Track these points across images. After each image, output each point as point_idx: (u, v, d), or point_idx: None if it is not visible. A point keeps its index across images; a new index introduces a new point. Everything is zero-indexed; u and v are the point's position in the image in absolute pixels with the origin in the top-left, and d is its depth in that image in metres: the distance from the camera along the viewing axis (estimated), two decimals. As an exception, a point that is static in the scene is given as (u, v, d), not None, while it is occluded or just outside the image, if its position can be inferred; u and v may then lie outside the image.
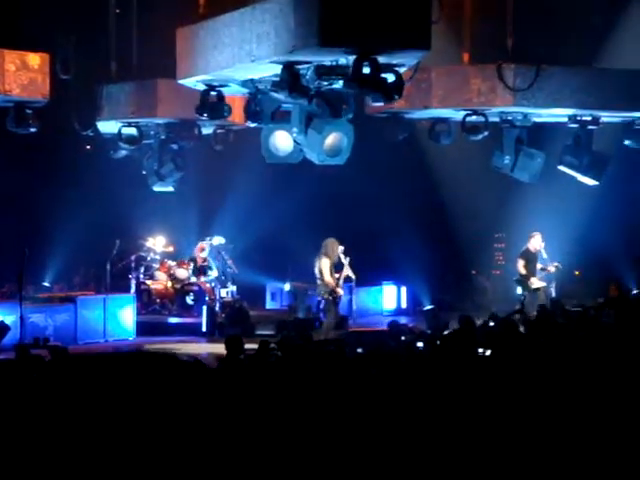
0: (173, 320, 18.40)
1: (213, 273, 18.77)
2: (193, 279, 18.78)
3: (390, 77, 10.69)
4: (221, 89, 12.90)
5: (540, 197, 18.96)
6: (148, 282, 19.00)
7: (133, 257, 18.97)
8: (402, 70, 10.92)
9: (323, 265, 15.03)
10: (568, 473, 6.63)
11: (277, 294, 21.33)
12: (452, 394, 7.82)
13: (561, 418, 7.31)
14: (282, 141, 12.25)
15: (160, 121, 16.37)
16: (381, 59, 10.31)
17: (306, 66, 10.80)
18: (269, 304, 21.48)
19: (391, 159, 19.52)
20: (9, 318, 14.77)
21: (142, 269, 19.13)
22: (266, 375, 8.94)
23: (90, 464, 6.49)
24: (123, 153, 17.04)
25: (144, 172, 17.16)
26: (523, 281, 17.13)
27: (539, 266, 17.15)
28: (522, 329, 11.99)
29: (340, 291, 15.22)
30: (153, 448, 6.64)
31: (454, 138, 15.19)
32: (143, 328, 17.58)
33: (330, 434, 6.95)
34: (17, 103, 14.97)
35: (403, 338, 11.82)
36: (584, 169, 15.02)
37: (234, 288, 19.08)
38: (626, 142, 15.33)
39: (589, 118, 14.73)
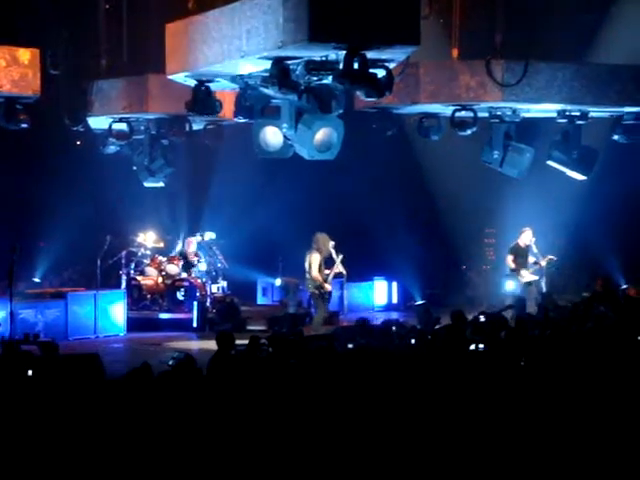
0: (164, 316, 18.41)
1: (202, 266, 18.74)
2: (184, 275, 18.78)
3: (380, 72, 10.71)
4: (210, 85, 12.91)
5: (530, 192, 19.00)
6: (139, 278, 18.99)
7: (124, 253, 18.96)
8: (392, 66, 10.93)
9: (313, 260, 15.04)
10: (564, 468, 6.66)
11: (268, 289, 21.35)
12: (443, 389, 7.85)
13: (555, 413, 7.35)
14: (272, 136, 12.26)
15: (151, 117, 16.36)
16: (371, 54, 10.33)
17: (296, 61, 10.81)
18: (260, 299, 21.50)
19: (382, 155, 19.56)
20: (-1, 314, 14.80)
21: (133, 265, 19.12)
22: (256, 371, 8.96)
23: (79, 458, 6.51)
24: (113, 149, 17.04)
25: (134, 168, 17.16)
26: (514, 276, 17.22)
27: (532, 260, 17.24)
28: (512, 324, 12.05)
29: (328, 287, 15.16)
30: (144, 444, 6.65)
31: (443, 134, 15.21)
32: (134, 324, 17.59)
33: (321, 429, 6.97)
34: (7, 99, 14.94)
35: (394, 328, 11.85)
36: (573, 164, 15.06)
37: (225, 284, 19.08)
38: (615, 137, 15.37)
39: (578, 113, 14.77)
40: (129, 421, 6.86)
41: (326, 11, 9.86)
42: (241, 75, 12.11)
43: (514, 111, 14.44)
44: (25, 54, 14.66)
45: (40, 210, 20.17)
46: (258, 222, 20.93)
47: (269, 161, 14.19)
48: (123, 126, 16.45)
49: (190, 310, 18.02)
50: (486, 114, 14.58)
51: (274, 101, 12.22)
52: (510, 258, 17.22)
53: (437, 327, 12.26)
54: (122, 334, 17.24)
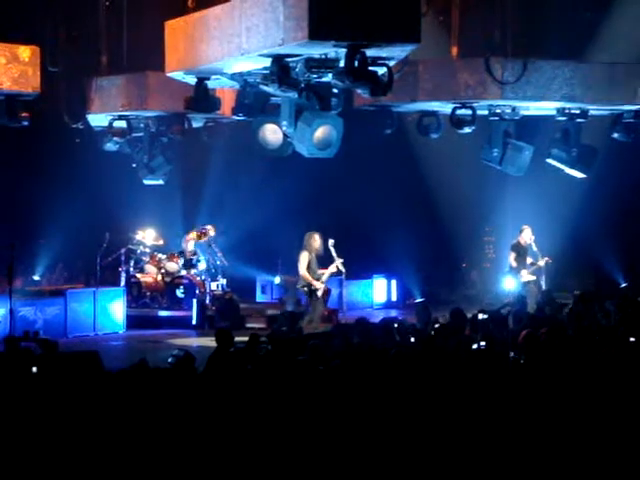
0: (163, 313, 18.40)
1: (201, 265, 18.74)
2: (183, 272, 18.78)
3: (381, 70, 10.72)
4: (210, 82, 12.90)
5: (529, 190, 19.00)
6: (138, 275, 18.99)
7: (123, 250, 18.96)
8: (391, 63, 10.93)
9: (301, 259, 15.00)
10: (562, 465, 6.67)
11: (267, 287, 21.33)
12: (443, 387, 7.85)
13: (553, 411, 7.35)
14: (271, 134, 12.26)
15: (150, 114, 16.37)
16: (370, 52, 10.33)
17: (296, 59, 10.81)
18: (259, 297, 21.47)
19: (381, 153, 19.55)
20: (-1, 312, 14.80)
21: (132, 262, 19.11)
22: (256, 368, 8.97)
23: (77, 454, 6.51)
24: (113, 146, 17.04)
25: (134, 165, 17.17)
26: (514, 274, 17.23)
27: (529, 260, 17.22)
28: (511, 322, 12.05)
29: (317, 284, 15.03)
30: (142, 442, 6.65)
31: (443, 132, 15.21)
32: (133, 321, 17.59)
33: (320, 428, 6.97)
34: (8, 96, 14.94)
35: (396, 325, 11.85)
36: (572, 162, 15.07)
37: (224, 281, 19.07)
38: (614, 135, 15.37)
39: (577, 111, 14.77)
40: (126, 418, 6.87)
41: (326, 9, 9.86)
42: (240, 73, 12.11)
43: (513, 109, 14.45)
44: (25, 51, 14.66)
45: (39, 207, 20.16)
46: (257, 220, 20.92)
47: (268, 159, 14.20)
48: (123, 123, 16.45)
49: (189, 308, 18.02)
50: (485, 112, 14.59)
51: (273, 99, 12.23)
52: (512, 256, 17.16)
53: (437, 325, 12.25)
54: (121, 331, 17.23)
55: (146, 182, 17.28)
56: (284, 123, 11.81)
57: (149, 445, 6.62)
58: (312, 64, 10.67)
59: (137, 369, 7.78)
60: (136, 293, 18.80)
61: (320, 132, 11.48)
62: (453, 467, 6.62)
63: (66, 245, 19.76)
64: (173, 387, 7.64)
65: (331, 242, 15.43)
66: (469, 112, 14.37)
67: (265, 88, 11.73)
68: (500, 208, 20.57)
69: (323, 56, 10.63)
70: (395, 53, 10.77)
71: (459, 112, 14.39)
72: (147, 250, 19.27)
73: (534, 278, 17.28)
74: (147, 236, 19.51)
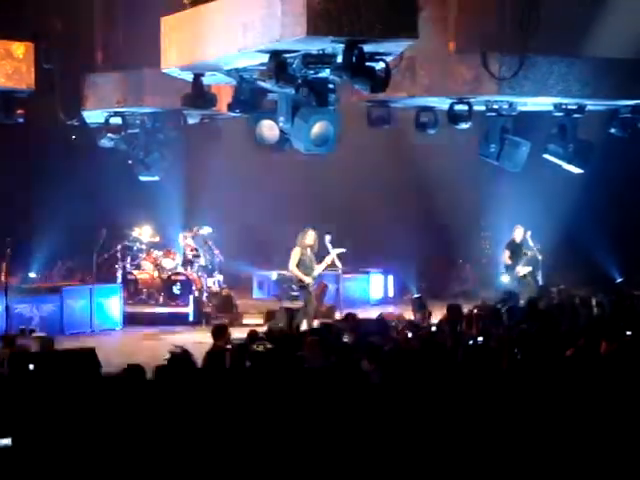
0: (160, 310, 18.40)
1: (201, 260, 18.75)
2: (180, 269, 18.76)
3: (378, 66, 10.70)
4: (206, 78, 12.87)
5: (526, 185, 19.01)
6: (135, 272, 18.97)
7: (119, 247, 18.94)
8: (389, 59, 10.92)
9: (292, 255, 15.06)
10: (561, 462, 6.66)
11: (264, 283, 21.33)
12: (441, 381, 7.84)
13: (551, 410, 7.35)
14: (268, 130, 12.24)
15: (146, 110, 16.33)
16: (368, 48, 10.31)
17: (293, 55, 10.78)
18: (256, 293, 21.49)
19: (378, 148, 19.53)
20: (-5, 309, 14.76)
21: (128, 259, 19.10)
22: (253, 365, 8.96)
23: (74, 453, 6.50)
24: (109, 143, 17.00)
25: (130, 161, 17.14)
26: (510, 271, 17.41)
27: (523, 252, 17.44)
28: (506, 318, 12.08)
29: (307, 280, 15.05)
30: (139, 441, 6.64)
31: (440, 127, 15.19)
32: (130, 318, 17.57)
33: (317, 425, 6.96)
34: (2, 93, 14.89)
35: (394, 323, 11.86)
36: (569, 157, 15.07)
37: (221, 277, 19.07)
38: (611, 130, 15.37)
39: (574, 107, 14.76)
40: (123, 417, 6.85)
41: (324, 4, 9.83)
42: (237, 69, 12.08)
43: (510, 104, 14.44)
44: (19, 48, 14.61)
45: (35, 204, 20.12)
46: (253, 216, 20.91)
47: (265, 154, 14.17)
48: (118, 120, 16.42)
49: (186, 304, 18.01)
50: (482, 107, 14.57)
51: (270, 95, 12.20)
52: (507, 254, 17.51)
53: (435, 321, 12.27)
54: (118, 328, 17.22)
55: (142, 178, 17.26)
56: (281, 119, 11.78)
57: (146, 444, 6.61)
58: (309, 60, 10.64)
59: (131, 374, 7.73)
60: (133, 290, 18.80)
61: (317, 128, 11.45)
62: (452, 467, 6.61)
63: (62, 242, 19.72)
64: (171, 384, 7.63)
65: (328, 238, 15.43)
66: (465, 108, 14.36)
67: (262, 84, 11.70)
68: (497, 203, 20.58)
69: (320, 52, 10.61)
70: (393, 48, 10.76)
71: (457, 108, 14.38)
72: (143, 247, 19.24)
73: (529, 269, 17.44)
74: (143, 233, 19.50)
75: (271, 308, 18.05)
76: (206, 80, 12.89)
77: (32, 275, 19.79)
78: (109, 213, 19.80)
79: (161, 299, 18.72)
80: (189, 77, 12.88)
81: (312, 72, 10.89)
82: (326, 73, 10.86)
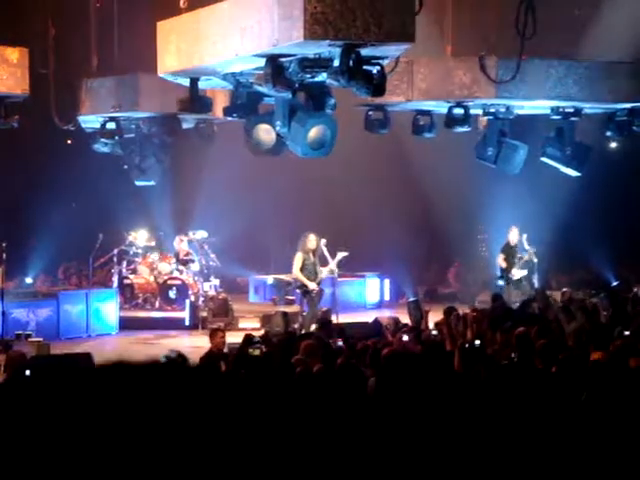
0: (156, 314, 18.35)
1: (195, 266, 18.70)
2: (176, 273, 18.73)
3: (375, 70, 10.67)
4: (202, 83, 12.84)
5: (523, 188, 19.02)
6: (131, 276, 18.93)
7: (115, 251, 18.90)
8: (385, 63, 10.90)
9: (295, 259, 15.08)
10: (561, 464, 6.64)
11: (260, 287, 21.31)
12: (440, 384, 7.81)
13: (552, 412, 7.32)
14: (265, 134, 12.21)
15: (141, 115, 16.29)
16: (365, 52, 10.29)
17: (290, 59, 10.76)
18: (252, 297, 21.46)
19: (375, 152, 19.52)
20: (-9, 314, 14.71)
21: (124, 263, 19.05)
22: (249, 369, 8.93)
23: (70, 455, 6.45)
24: (105, 148, 16.96)
25: (126, 166, 17.10)
26: (505, 275, 17.44)
27: (518, 256, 17.46)
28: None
29: (310, 285, 15.02)
30: (140, 444, 6.59)
31: (437, 131, 15.18)
32: (126, 323, 17.53)
33: (315, 429, 6.93)
34: (-2, 98, 14.87)
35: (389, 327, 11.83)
36: (566, 160, 15.06)
37: (217, 282, 19.04)
38: (608, 133, 15.38)
39: (571, 110, 14.75)
40: (117, 420, 6.80)
41: (320, 9, 9.81)
42: (233, 73, 12.05)
43: (508, 108, 14.43)
44: (13, 53, 14.55)
45: (31, 209, 20.08)
46: (250, 220, 20.88)
47: (261, 159, 14.14)
48: (114, 125, 16.36)
49: (182, 308, 17.97)
50: (480, 111, 14.56)
51: (267, 99, 12.17)
52: (501, 257, 17.58)
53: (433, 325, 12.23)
54: (114, 333, 17.17)
55: (138, 183, 17.22)
56: (278, 123, 11.76)
57: (145, 445, 6.56)
58: (306, 64, 10.62)
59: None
60: (129, 294, 18.75)
61: (314, 132, 11.44)
62: (453, 469, 6.57)
63: (58, 247, 19.68)
64: (167, 387, 7.58)
65: (323, 242, 15.42)
66: (462, 111, 14.36)
67: (259, 88, 11.67)
68: (494, 206, 20.58)
69: (317, 56, 10.58)
70: (390, 52, 10.74)
71: (455, 111, 14.37)
72: (139, 251, 19.20)
73: (525, 273, 17.46)
74: (139, 237, 19.45)
75: (267, 312, 18.05)
76: (201, 84, 12.85)
77: (28, 280, 19.75)
78: (105, 218, 19.77)
79: (157, 304, 18.68)
80: (185, 82, 12.83)
81: (309, 76, 10.86)
82: (323, 77, 10.84)
